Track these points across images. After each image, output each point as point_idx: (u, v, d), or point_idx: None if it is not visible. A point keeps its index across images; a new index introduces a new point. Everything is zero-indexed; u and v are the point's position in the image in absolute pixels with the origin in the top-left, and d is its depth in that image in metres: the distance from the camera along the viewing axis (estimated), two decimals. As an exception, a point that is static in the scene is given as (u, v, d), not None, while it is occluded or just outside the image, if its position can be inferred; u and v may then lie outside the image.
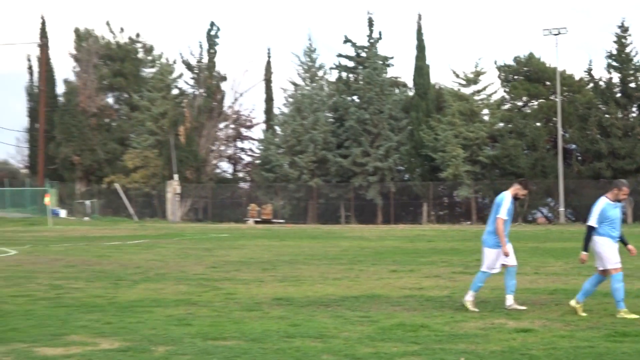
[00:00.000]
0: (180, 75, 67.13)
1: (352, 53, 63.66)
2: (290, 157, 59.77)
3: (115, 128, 67.58)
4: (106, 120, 68.25)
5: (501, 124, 59.03)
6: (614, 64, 57.49)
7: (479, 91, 59.40)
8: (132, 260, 23.55)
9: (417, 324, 10.92)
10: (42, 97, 65.57)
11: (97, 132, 64.95)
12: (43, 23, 67.56)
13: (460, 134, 55.79)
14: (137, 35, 71.63)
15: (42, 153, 64.71)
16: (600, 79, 58.20)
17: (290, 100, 62.82)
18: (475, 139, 56.29)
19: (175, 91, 66.39)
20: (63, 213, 59.42)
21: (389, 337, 10.23)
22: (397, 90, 62.11)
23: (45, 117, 65.32)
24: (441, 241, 34.67)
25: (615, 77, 58.03)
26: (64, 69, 65.99)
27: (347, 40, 63.93)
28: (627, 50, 57.83)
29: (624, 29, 58.44)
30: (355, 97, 61.38)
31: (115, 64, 68.00)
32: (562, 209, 55.07)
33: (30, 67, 70.57)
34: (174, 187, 59.51)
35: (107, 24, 70.80)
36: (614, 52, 57.41)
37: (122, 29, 71.27)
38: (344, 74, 64.09)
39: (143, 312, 13.00)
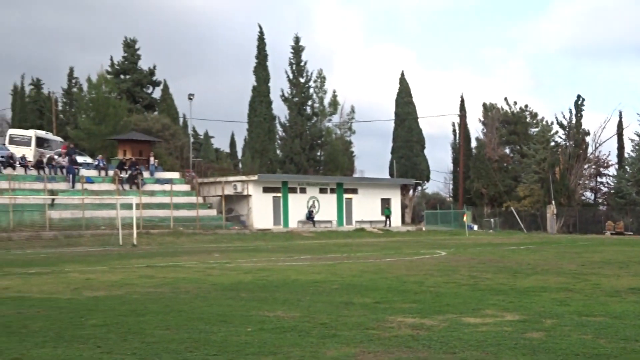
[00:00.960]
0: (556, 132, 76.62)
1: None
2: (637, 187, 67.95)
3: (510, 169, 77.79)
4: (504, 164, 78.50)
5: None
6: None
7: None
8: (524, 260, 25.54)
9: None
10: (461, 150, 75.85)
11: (498, 172, 75.46)
12: (462, 100, 77.78)
13: None
14: (526, 105, 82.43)
15: (461, 187, 74.32)
16: None
17: (637, 147, 70.65)
18: None
19: (552, 143, 75.17)
20: (475, 227, 66.34)
21: None
22: None
23: (463, 163, 75.39)
24: None
25: None
26: (475, 130, 78.72)
27: None
28: None
29: None
30: None
31: (510, 126, 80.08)
32: None
33: (454, 130, 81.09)
34: (552, 209, 67.24)
35: (505, 99, 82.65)
36: None
37: (515, 102, 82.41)
38: None
39: (534, 295, 14.66)
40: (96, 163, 54.14)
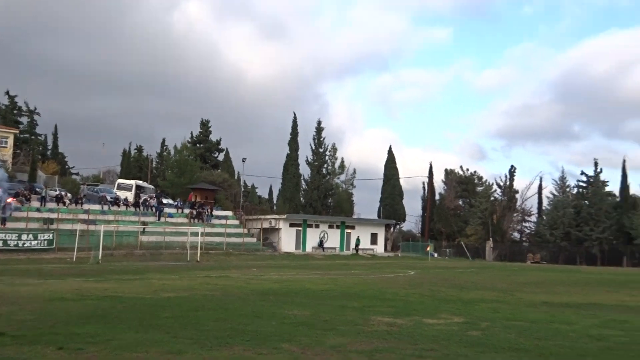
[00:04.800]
0: (495, 190, 75.77)
1: (584, 178, 67.60)
2: (550, 230, 66.18)
3: (462, 215, 75.10)
4: (458, 212, 75.51)
5: None
6: None
7: None
8: (469, 279, 25.20)
9: None
10: (428, 201, 73.94)
11: (453, 217, 72.97)
12: (430, 167, 74.91)
13: None
14: (475, 171, 79.83)
15: (427, 227, 72.39)
16: None
17: (552, 203, 69.25)
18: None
19: (492, 198, 74.28)
20: (436, 255, 62.92)
21: None
22: (609, 198, 65.82)
23: (429, 210, 73.38)
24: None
25: None
26: (439, 187, 78.39)
27: (582, 173, 68.52)
28: None
29: None
30: (586, 201, 66.09)
31: (463, 185, 77.63)
32: None
33: (423, 187, 77.18)
34: (489, 244, 66.18)
35: (461, 167, 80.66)
36: None
37: (467, 169, 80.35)
38: (580, 190, 68.12)
39: (475, 304, 14.07)
40: (176, 203, 54.34)
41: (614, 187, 67.58)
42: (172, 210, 52.40)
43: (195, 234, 40.98)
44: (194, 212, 52.54)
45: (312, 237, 58.10)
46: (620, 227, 62.85)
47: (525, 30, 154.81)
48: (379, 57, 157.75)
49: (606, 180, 67.83)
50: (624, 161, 65.85)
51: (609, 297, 18.13)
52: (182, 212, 52.74)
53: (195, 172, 62.98)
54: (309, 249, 57.10)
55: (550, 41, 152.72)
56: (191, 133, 76.64)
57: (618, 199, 65.71)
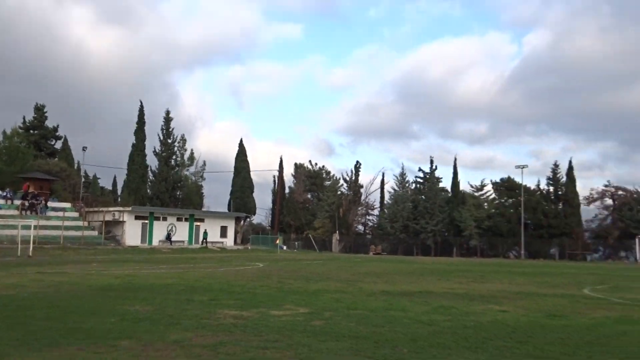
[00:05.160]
0: (342, 185, 77.26)
1: (421, 175, 72.40)
2: (391, 224, 69.77)
3: (310, 209, 77.43)
4: (306, 205, 78.17)
5: (493, 210, 67.37)
6: (551, 182, 66.25)
7: (483, 194, 69.54)
8: (315, 271, 25.49)
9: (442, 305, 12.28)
10: (278, 194, 76.41)
11: (302, 210, 75.89)
12: (281, 160, 77.61)
13: (472, 215, 65.00)
14: (323, 166, 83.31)
15: (277, 220, 74.84)
16: (542, 190, 66.80)
17: (392, 197, 72.60)
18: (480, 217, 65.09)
19: (339, 192, 75.53)
20: (285, 247, 65.08)
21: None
22: (443, 193, 71.15)
23: (279, 204, 75.73)
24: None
25: (551, 188, 65.52)
26: (289, 181, 79.65)
27: (419, 170, 73.39)
28: (558, 176, 65.32)
29: (555, 165, 65.83)
30: (423, 196, 70.77)
31: (312, 179, 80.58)
32: (522, 252, 61.47)
33: (274, 180, 79.48)
34: (336, 236, 69.17)
35: (310, 161, 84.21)
36: (551, 175, 65.75)
37: (316, 164, 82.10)
38: (418, 185, 72.31)
39: (320, 295, 14.38)
40: (5, 194, 49.67)
41: (446, 183, 72.93)
42: (1, 202, 47.77)
43: (28, 227, 37.72)
44: (26, 204, 48.38)
45: (160, 230, 56.53)
46: (452, 221, 67.68)
47: (371, 32, 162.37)
48: (230, 49, 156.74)
49: (440, 176, 72.59)
50: (455, 159, 71.61)
51: (439, 285, 19.41)
52: (13, 203, 48.48)
53: (28, 161, 58.55)
54: (155, 242, 55.52)
55: (393, 44, 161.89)
56: (23, 118, 70.84)
57: (450, 194, 70.83)
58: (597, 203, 67.35)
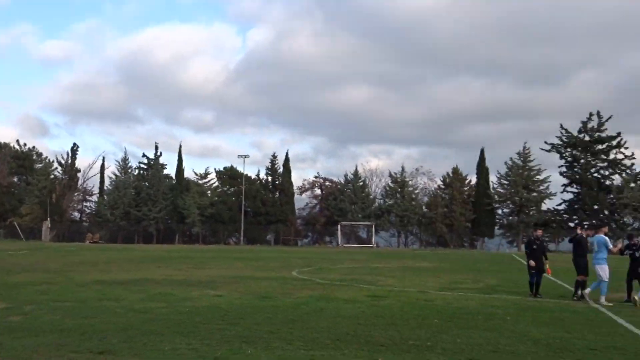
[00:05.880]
0: (56, 168, 71.69)
1: (145, 160, 70.17)
2: (111, 210, 66.68)
3: (16, 194, 70.44)
4: (12, 189, 70.88)
5: (216, 198, 67.61)
6: (269, 172, 67.80)
7: (207, 182, 69.43)
8: (18, 262, 23.86)
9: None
10: None
11: (6, 195, 68.66)
12: None
13: (196, 202, 64.82)
14: (34, 147, 75.03)
15: None
16: (262, 179, 68.52)
17: (113, 183, 69.57)
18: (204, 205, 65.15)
19: (52, 176, 70.46)
20: None
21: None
22: (167, 180, 70.30)
23: None
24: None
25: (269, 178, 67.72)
26: None
27: (144, 155, 70.32)
28: (276, 166, 67.97)
29: (274, 156, 68.00)
30: (146, 182, 68.84)
31: (20, 161, 72.51)
32: (242, 238, 62.77)
33: None
34: (47, 224, 64.18)
35: (17, 141, 74.88)
36: (269, 166, 67.43)
37: (25, 144, 74.96)
38: (141, 171, 70.44)
39: (21, 288, 13.33)
40: None
41: (171, 170, 72.13)
42: None
43: None
44: None
45: None
46: (175, 207, 67.30)
47: (90, 6, 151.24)
48: None
49: (165, 163, 71.64)
50: (180, 146, 70.64)
51: (159, 272, 19.35)
52: None
53: None
54: None
55: (116, 22, 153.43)
56: None
57: (174, 181, 70.49)
58: (308, 192, 72.40)
